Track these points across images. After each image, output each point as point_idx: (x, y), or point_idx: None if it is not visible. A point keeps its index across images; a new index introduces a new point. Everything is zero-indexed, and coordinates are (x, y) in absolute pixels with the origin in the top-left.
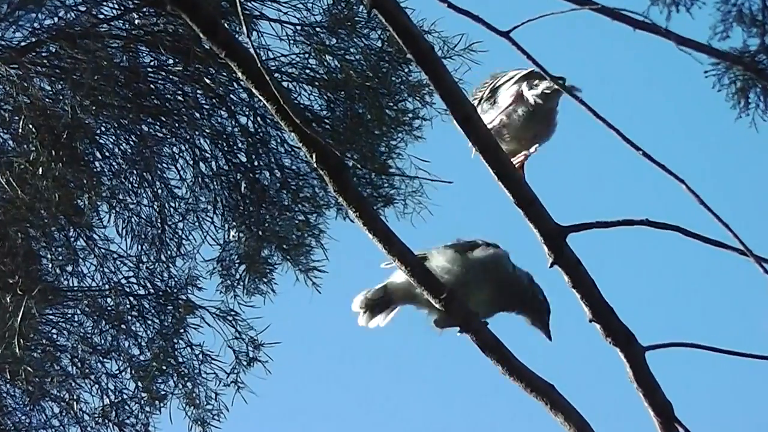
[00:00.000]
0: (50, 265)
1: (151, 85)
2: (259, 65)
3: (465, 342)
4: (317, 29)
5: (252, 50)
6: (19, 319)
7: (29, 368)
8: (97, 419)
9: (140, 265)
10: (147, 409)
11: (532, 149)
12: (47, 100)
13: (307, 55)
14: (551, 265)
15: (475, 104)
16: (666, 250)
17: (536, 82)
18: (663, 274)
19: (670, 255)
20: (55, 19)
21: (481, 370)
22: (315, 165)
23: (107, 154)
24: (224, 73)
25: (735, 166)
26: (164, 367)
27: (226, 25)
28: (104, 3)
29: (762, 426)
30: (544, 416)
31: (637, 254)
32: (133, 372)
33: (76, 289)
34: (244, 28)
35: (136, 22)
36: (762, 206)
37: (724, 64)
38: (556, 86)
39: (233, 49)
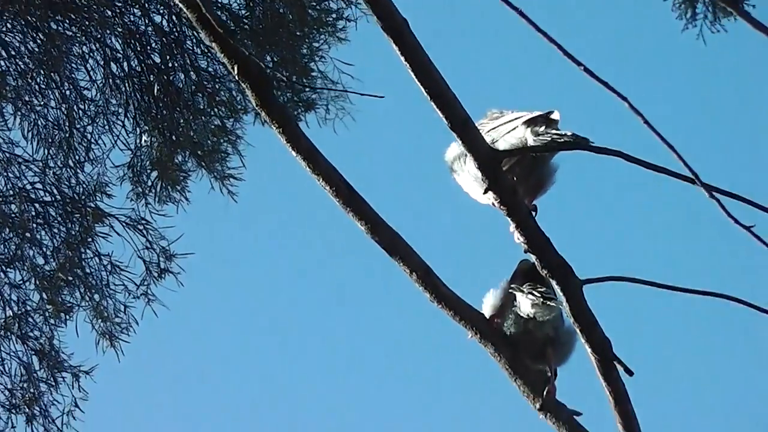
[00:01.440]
0: None
1: None
2: None
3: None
4: None
5: None
6: None
7: None
8: None
9: (46, 170)
10: (52, 321)
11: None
12: None
13: None
14: (485, 191)
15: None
16: (608, 178)
17: (541, 128)
18: (604, 204)
19: (612, 183)
20: None
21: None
22: (237, 78)
23: (13, 52)
24: None
25: (682, 84)
26: (70, 278)
27: None
28: None
29: (700, 363)
30: (473, 346)
31: (576, 182)
32: (37, 282)
33: None
34: None
35: None
36: (712, 129)
37: None
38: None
39: None
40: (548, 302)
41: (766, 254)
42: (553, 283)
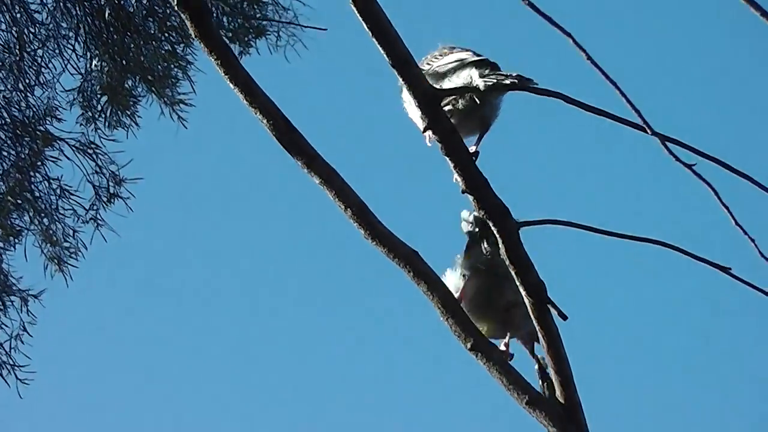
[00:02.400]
0: None
1: None
2: None
3: None
4: None
5: None
6: None
7: None
8: None
9: None
10: (0, 245)
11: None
12: None
13: None
14: (424, 130)
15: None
16: (552, 121)
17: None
18: (546, 147)
19: (554, 126)
20: None
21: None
22: (175, 7)
23: None
24: None
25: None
26: (19, 201)
27: None
28: None
29: (635, 308)
30: (407, 285)
31: (517, 123)
32: None
33: None
34: None
35: None
36: (662, 74)
37: None
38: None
39: None
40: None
41: (707, 196)
42: (490, 224)
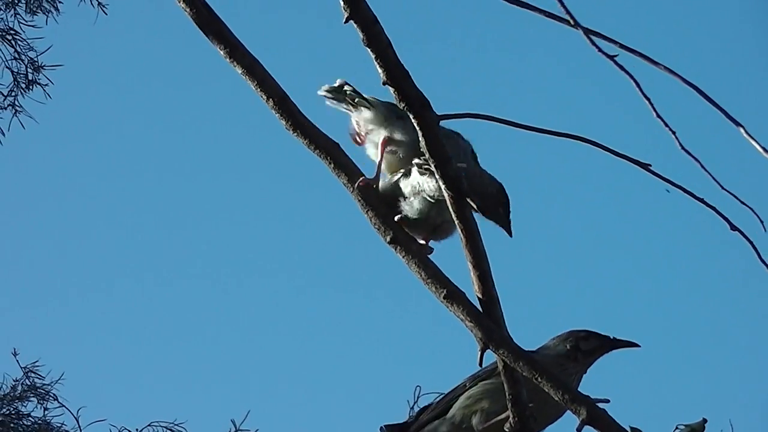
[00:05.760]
0: None
1: None
2: None
3: None
4: None
5: None
6: None
7: None
8: None
9: None
10: None
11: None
12: None
13: None
14: (346, 21)
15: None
16: (476, 15)
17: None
18: (468, 41)
19: (479, 19)
20: None
21: None
22: None
23: None
24: None
25: None
26: None
27: None
28: None
29: (554, 204)
30: (327, 176)
31: (442, 17)
32: None
33: None
34: None
35: None
36: None
37: None
38: None
39: None
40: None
41: (630, 89)
42: (410, 116)
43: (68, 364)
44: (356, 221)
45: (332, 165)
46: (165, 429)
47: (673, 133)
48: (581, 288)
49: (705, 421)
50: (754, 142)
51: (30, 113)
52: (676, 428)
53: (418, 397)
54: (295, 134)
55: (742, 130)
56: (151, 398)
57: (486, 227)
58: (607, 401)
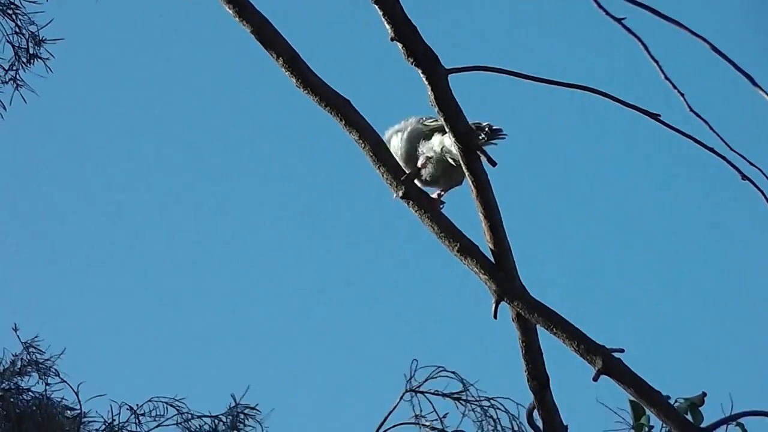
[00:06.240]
0: None
1: None
2: None
3: None
4: None
5: None
6: None
7: None
8: None
9: None
10: None
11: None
12: None
13: None
14: None
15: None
16: None
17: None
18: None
19: None
20: None
21: None
22: None
23: None
24: None
25: None
26: None
27: None
28: None
29: (565, 155)
30: (339, 133)
31: None
32: None
33: None
34: None
35: None
36: None
37: None
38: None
39: None
40: None
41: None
42: (419, 71)
43: (69, 340)
44: (369, 177)
45: (343, 122)
46: (165, 404)
47: (682, 95)
48: (592, 236)
49: (704, 394)
50: (762, 92)
51: (31, 87)
52: (676, 402)
53: (414, 371)
54: (306, 92)
55: (751, 83)
56: (151, 374)
57: (497, 180)
58: (622, 351)
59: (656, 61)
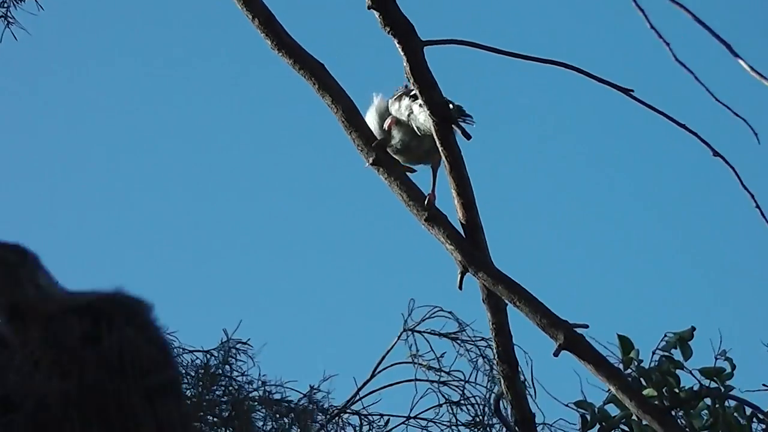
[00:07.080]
0: None
1: None
2: None
3: None
4: None
5: None
6: None
7: None
8: None
9: None
10: None
11: None
12: None
13: None
14: None
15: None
16: None
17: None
18: None
19: None
20: None
21: None
22: None
23: None
24: None
25: None
26: None
27: None
28: None
29: (539, 130)
30: (312, 97)
31: None
32: None
33: None
34: None
35: None
36: None
37: None
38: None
39: None
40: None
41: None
42: (395, 42)
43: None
44: (341, 142)
45: (317, 86)
46: None
47: (668, 44)
48: (565, 213)
49: (693, 329)
50: (741, 62)
51: (22, 24)
52: (665, 336)
53: (411, 311)
54: (281, 54)
55: (731, 53)
56: None
57: (470, 154)
58: (586, 326)
59: (642, 10)
